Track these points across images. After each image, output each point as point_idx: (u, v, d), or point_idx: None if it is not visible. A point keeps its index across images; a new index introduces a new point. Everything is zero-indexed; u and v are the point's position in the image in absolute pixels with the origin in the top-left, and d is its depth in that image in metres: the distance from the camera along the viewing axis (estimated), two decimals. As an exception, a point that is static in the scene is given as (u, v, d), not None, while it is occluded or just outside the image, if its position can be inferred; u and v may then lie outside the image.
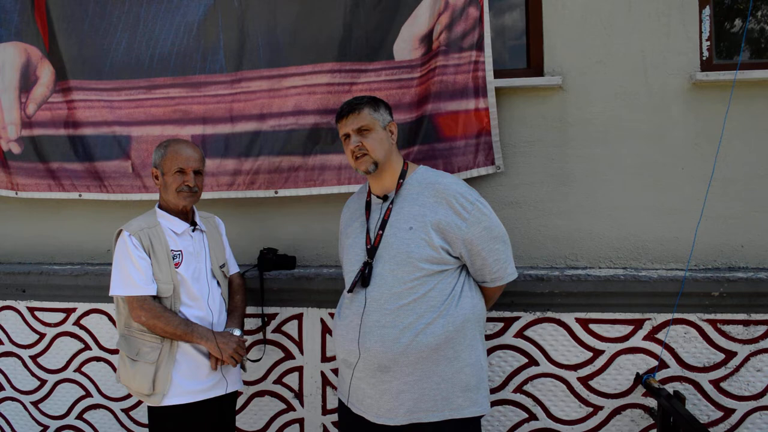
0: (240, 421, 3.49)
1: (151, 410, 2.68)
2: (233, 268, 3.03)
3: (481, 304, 2.42)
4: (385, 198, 2.42)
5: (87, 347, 3.65)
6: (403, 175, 2.41)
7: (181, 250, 2.68)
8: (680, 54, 3.10)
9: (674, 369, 3.01)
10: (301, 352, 3.36)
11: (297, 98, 3.30)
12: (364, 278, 2.33)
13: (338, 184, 3.28)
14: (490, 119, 3.10)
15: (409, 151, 3.17)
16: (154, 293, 2.59)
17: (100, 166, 3.57)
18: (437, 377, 2.27)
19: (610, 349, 3.05)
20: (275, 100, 3.33)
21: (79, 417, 3.70)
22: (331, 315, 3.29)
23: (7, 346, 3.77)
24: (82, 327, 3.65)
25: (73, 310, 3.63)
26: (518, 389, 3.14)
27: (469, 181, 3.14)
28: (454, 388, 2.29)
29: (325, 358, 3.34)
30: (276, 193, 3.36)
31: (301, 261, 3.49)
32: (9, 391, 3.82)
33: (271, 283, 3.30)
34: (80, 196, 3.64)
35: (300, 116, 3.31)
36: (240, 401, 3.47)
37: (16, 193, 3.75)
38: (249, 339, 3.31)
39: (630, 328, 3.03)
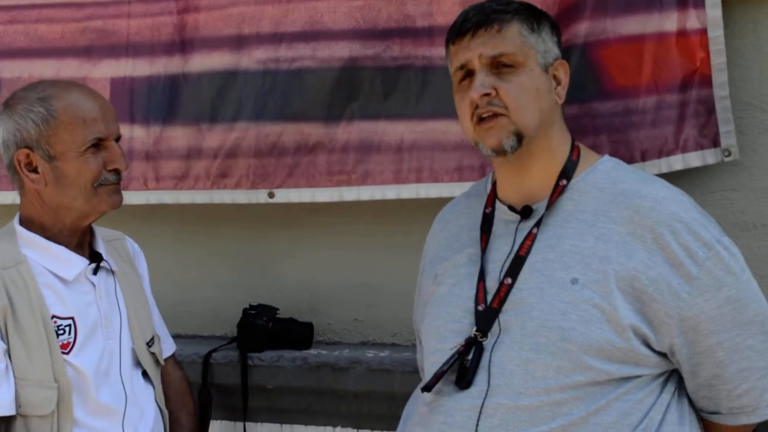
0: None
1: None
2: (167, 346, 2.59)
3: (701, 454, 2.15)
4: (525, 211, 2.08)
5: None
6: (568, 171, 2.07)
7: (72, 318, 2.26)
8: None
9: None
10: None
11: (313, 4, 2.87)
12: (463, 371, 1.98)
13: (396, 181, 2.79)
14: (710, 54, 2.47)
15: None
16: (7, 412, 2.15)
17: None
18: None
19: None
20: (267, 7, 2.92)
21: None
22: (383, 445, 3.02)
23: None
24: None
25: None
26: None
27: (666, 177, 2.35)
28: None
29: None
30: (271, 196, 2.91)
31: (321, 332, 3.01)
32: None
33: (263, 376, 2.85)
34: None
35: (319, 42, 2.87)
36: None
37: None
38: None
39: None
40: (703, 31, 2.45)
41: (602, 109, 2.57)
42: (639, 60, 2.54)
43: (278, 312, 2.87)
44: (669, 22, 2.48)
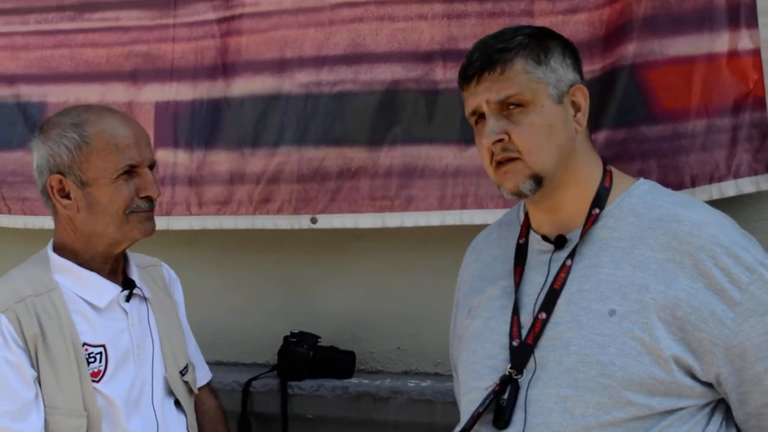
0: None
1: None
2: (202, 375, 2.61)
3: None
4: (559, 241, 2.08)
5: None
6: (600, 199, 2.07)
7: (103, 345, 2.27)
8: None
9: None
10: None
11: (356, 27, 2.86)
12: (500, 411, 1.98)
13: (440, 207, 2.76)
14: (764, 75, 2.46)
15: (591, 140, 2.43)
16: None
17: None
18: None
19: None
20: (309, 30, 2.90)
21: None
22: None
23: None
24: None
25: None
26: None
27: (716, 203, 2.42)
28: None
29: None
30: (313, 221, 2.90)
31: (363, 361, 2.99)
32: None
33: (303, 406, 2.84)
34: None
35: (361, 65, 2.87)
36: None
37: None
38: None
39: None
40: (756, 52, 2.41)
41: (650, 133, 2.56)
42: (688, 82, 2.51)
43: (320, 340, 2.89)
44: (720, 42, 2.46)
